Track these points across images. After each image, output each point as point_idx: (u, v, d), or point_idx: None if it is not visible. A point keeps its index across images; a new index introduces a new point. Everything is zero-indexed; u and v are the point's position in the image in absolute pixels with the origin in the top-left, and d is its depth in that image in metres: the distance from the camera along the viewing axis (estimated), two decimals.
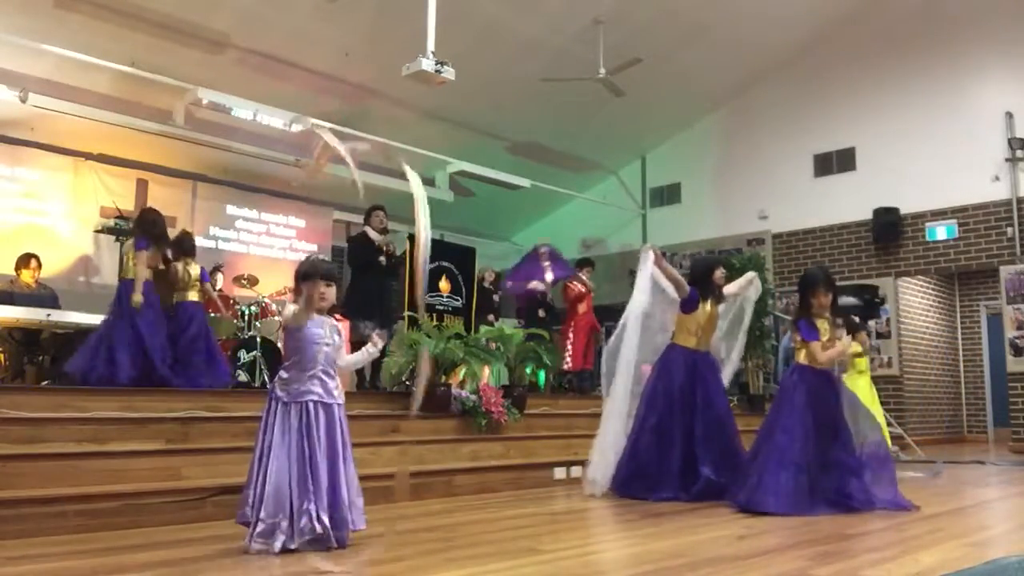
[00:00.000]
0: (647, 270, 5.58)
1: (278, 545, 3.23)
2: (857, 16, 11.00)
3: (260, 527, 3.26)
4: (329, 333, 3.52)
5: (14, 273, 7.57)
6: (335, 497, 3.37)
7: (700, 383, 5.32)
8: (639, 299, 5.56)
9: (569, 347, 9.19)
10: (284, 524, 3.27)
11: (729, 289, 5.74)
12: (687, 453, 5.18)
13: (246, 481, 3.39)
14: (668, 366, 5.40)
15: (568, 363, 9.18)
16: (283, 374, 3.48)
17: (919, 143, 10.65)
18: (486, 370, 6.62)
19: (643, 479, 5.20)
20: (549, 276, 9.15)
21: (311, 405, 3.42)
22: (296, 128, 9.14)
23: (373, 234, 7.67)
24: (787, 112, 11.84)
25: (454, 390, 6.35)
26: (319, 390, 3.45)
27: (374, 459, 5.09)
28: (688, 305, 5.44)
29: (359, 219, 8.46)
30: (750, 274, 6.03)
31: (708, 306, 5.47)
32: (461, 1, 8.17)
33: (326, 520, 3.30)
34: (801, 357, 4.81)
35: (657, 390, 5.36)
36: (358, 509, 3.43)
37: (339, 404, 3.50)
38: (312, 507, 3.29)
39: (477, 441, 6.03)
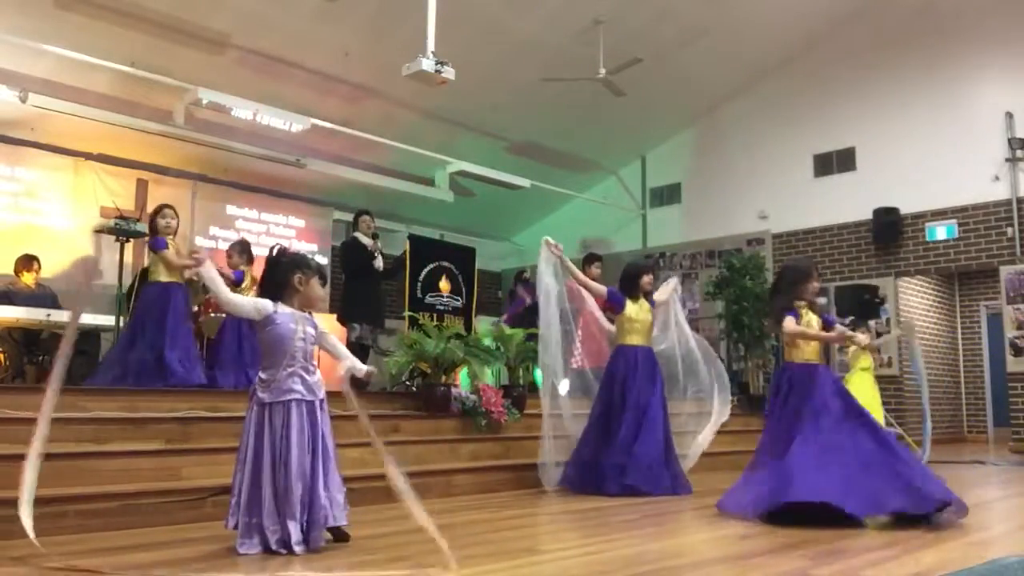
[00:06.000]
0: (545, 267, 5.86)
1: (258, 548, 3.22)
2: (857, 16, 11.00)
3: (247, 530, 3.25)
4: (302, 326, 3.43)
5: (14, 275, 7.57)
6: (313, 496, 3.31)
7: (642, 378, 5.70)
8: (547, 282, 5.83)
9: (579, 345, 9.08)
10: (271, 528, 3.25)
11: (659, 296, 6.09)
12: (625, 447, 5.49)
13: (231, 486, 3.36)
14: (614, 366, 5.83)
15: (577, 362, 9.05)
16: (262, 375, 3.38)
17: (919, 143, 10.65)
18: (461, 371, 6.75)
19: (591, 474, 5.51)
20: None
21: (293, 405, 3.34)
22: (296, 128, 9.14)
23: (364, 239, 7.70)
24: (787, 112, 11.84)
25: (454, 390, 6.35)
26: (301, 388, 3.37)
27: (374, 459, 5.08)
28: (616, 307, 5.90)
29: None
30: (672, 280, 6.31)
31: (638, 305, 5.89)
32: (461, 1, 8.17)
33: (293, 529, 3.24)
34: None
35: (602, 389, 5.82)
36: (339, 505, 3.38)
37: (321, 400, 3.44)
38: (284, 513, 3.25)
39: (477, 441, 6.03)
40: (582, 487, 5.46)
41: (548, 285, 5.83)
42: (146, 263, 6.76)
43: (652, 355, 5.89)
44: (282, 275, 3.47)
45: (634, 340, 5.84)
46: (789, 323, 4.54)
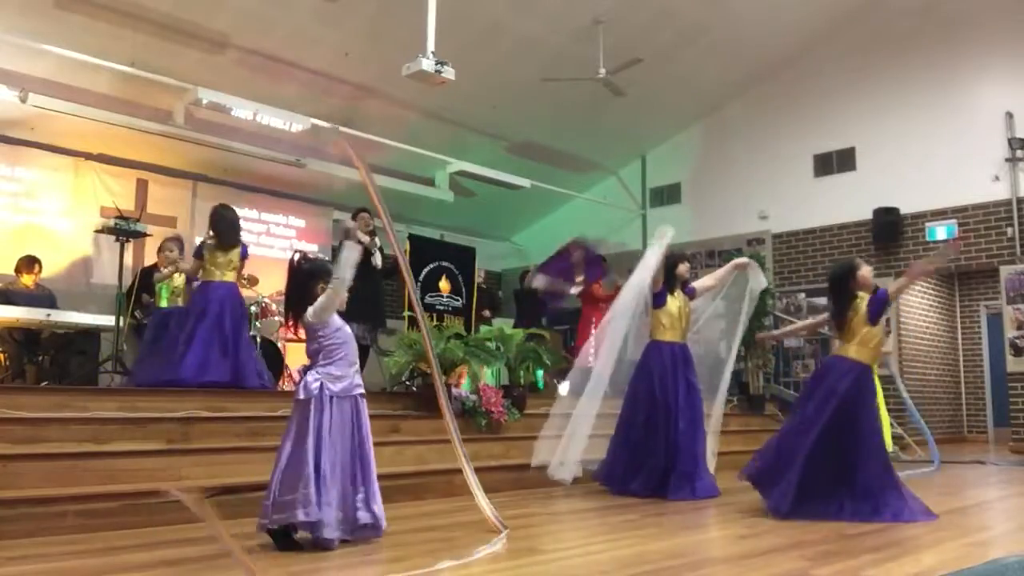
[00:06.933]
0: (659, 249, 5.64)
1: (335, 536, 3.32)
2: (857, 16, 11.00)
3: (321, 523, 3.30)
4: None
5: (14, 275, 7.58)
6: (372, 486, 3.53)
7: (680, 377, 5.51)
8: (642, 275, 5.60)
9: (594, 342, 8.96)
10: (340, 517, 3.36)
11: (704, 283, 5.91)
12: (670, 447, 5.37)
13: (288, 483, 3.31)
14: (649, 363, 5.58)
15: (592, 359, 8.92)
16: (332, 370, 3.49)
17: (919, 143, 10.65)
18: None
19: (635, 472, 5.38)
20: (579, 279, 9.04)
21: (359, 399, 3.55)
22: (296, 128, 9.14)
23: (362, 236, 7.66)
24: (787, 112, 11.84)
25: (454, 390, 6.35)
26: (360, 382, 3.59)
27: (374, 459, 5.09)
28: (658, 300, 5.65)
29: None
30: (729, 265, 6.01)
31: (678, 299, 5.67)
32: (461, 1, 8.17)
33: (376, 509, 3.47)
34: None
35: (639, 388, 5.57)
36: None
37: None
38: (363, 497, 3.45)
39: (477, 441, 6.02)
40: (650, 493, 5.23)
41: (643, 278, 5.61)
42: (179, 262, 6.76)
43: (688, 351, 5.67)
44: (305, 286, 3.55)
45: (669, 336, 5.60)
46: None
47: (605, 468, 5.57)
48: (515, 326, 8.47)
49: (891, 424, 8.00)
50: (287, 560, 3.14)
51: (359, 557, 3.24)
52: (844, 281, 4.68)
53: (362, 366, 7.34)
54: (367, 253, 7.62)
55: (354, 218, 7.91)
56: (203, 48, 8.75)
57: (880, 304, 4.56)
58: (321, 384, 3.45)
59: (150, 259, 8.53)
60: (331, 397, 3.45)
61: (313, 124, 9.18)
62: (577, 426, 5.41)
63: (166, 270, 6.83)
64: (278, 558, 3.17)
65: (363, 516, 3.42)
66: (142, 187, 9.82)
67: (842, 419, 4.41)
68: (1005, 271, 10.10)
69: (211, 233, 6.28)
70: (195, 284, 6.59)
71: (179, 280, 6.85)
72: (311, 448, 3.36)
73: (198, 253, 6.33)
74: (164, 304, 6.80)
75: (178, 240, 7.17)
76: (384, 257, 7.88)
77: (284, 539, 3.31)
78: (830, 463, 4.36)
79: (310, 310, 3.49)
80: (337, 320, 3.57)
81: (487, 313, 10.00)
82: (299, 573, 2.98)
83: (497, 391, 6.47)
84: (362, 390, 3.59)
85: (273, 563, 3.10)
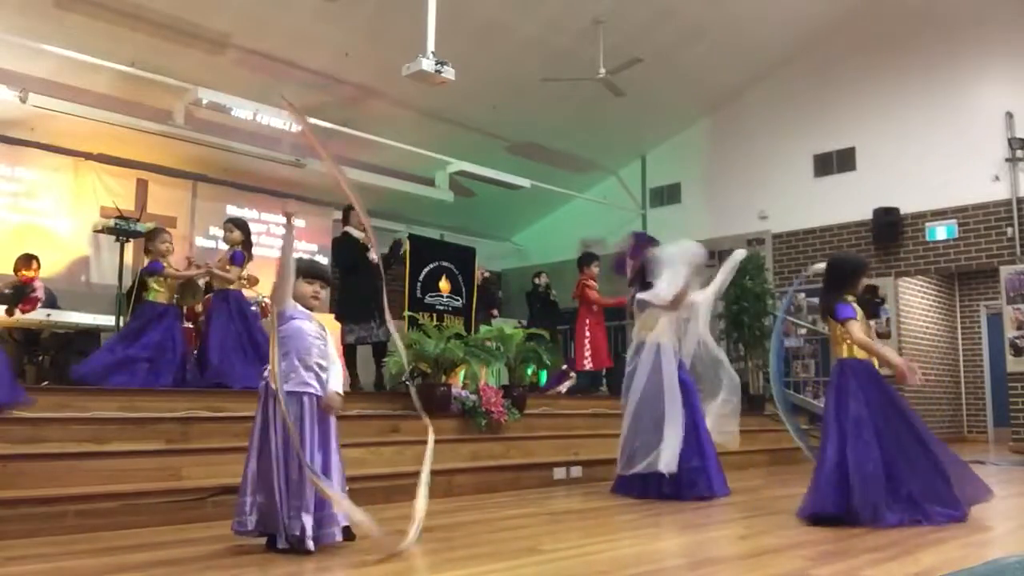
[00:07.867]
0: (729, 271, 5.87)
1: (279, 544, 3.24)
2: (857, 16, 11.00)
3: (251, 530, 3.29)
4: (318, 330, 3.53)
5: (13, 274, 7.56)
6: (306, 498, 3.30)
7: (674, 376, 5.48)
8: (717, 286, 5.86)
9: (587, 344, 8.95)
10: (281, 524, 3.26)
11: (697, 297, 5.79)
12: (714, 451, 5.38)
13: (242, 486, 3.33)
14: (657, 365, 5.49)
15: (588, 363, 8.91)
16: (281, 365, 3.38)
17: (919, 143, 10.65)
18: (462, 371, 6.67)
19: (643, 478, 5.26)
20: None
21: (307, 398, 3.38)
22: (296, 128, 9.14)
23: (356, 232, 7.61)
24: (787, 112, 11.83)
25: (454, 390, 6.35)
26: (315, 383, 3.42)
27: (374, 459, 5.10)
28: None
29: None
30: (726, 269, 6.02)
31: None
32: (461, 1, 8.17)
33: (307, 523, 3.23)
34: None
35: (648, 389, 5.46)
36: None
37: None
38: (297, 506, 3.24)
39: (477, 441, 6.03)
40: (675, 494, 5.12)
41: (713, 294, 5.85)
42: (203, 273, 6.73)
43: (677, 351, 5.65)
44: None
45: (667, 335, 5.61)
46: (856, 329, 4.32)
47: (619, 475, 5.48)
48: (528, 327, 8.45)
49: None
50: (283, 561, 3.14)
51: (359, 557, 3.23)
52: (860, 275, 4.56)
53: (379, 363, 7.29)
54: (363, 248, 7.57)
55: (345, 214, 7.85)
56: (203, 48, 8.76)
57: (843, 313, 4.39)
58: (267, 381, 3.37)
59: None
60: (274, 395, 3.32)
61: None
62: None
63: (209, 270, 6.59)
64: (277, 558, 3.17)
65: (293, 525, 3.23)
66: (142, 187, 9.82)
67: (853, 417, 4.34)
68: (1005, 271, 10.10)
69: (244, 244, 6.51)
70: (169, 280, 6.41)
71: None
72: (253, 449, 3.33)
73: (239, 261, 6.48)
74: (154, 298, 6.29)
75: (168, 232, 7.03)
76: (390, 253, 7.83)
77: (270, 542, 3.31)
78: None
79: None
80: (294, 312, 3.47)
81: (495, 312, 10.00)
82: (296, 574, 2.98)
83: (497, 391, 6.47)
84: (312, 390, 3.38)
85: (269, 563, 3.10)
